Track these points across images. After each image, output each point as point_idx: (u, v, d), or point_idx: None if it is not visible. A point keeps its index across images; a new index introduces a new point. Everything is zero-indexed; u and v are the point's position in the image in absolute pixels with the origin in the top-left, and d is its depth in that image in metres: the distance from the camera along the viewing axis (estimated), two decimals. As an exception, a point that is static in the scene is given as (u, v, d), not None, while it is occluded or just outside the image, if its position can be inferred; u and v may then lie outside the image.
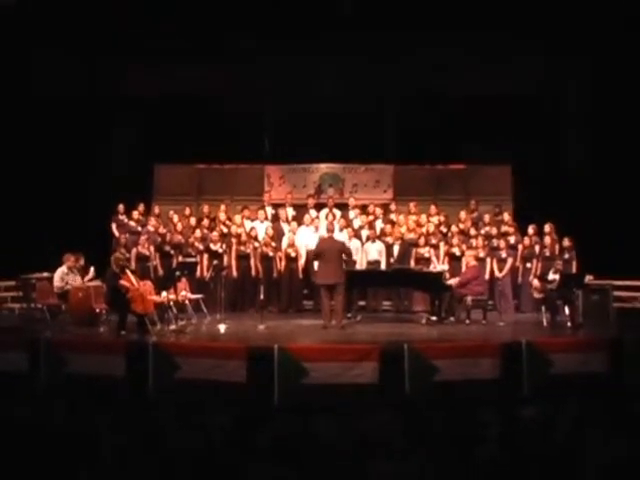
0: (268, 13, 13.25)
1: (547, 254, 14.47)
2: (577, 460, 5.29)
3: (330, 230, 13.51)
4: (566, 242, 14.29)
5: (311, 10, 13.16)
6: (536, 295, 13.55)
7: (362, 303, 14.80)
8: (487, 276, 14.62)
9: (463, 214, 15.88)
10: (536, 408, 7.14)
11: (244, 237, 15.00)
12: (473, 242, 14.81)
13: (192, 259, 14.44)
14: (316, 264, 13.84)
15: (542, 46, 14.09)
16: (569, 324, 12.55)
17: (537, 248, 14.83)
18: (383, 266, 14.59)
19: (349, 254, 13.25)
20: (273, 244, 14.96)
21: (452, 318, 13.49)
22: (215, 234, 15.03)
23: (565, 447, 5.58)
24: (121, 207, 15.50)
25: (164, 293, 12.71)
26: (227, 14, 13.30)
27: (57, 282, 12.93)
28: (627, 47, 13.98)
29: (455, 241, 14.72)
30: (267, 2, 13.12)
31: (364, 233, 15.11)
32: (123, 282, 12.04)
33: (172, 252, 14.77)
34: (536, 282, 13.60)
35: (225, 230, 15.40)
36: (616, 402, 7.57)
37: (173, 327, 12.45)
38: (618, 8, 13.06)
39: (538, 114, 16.56)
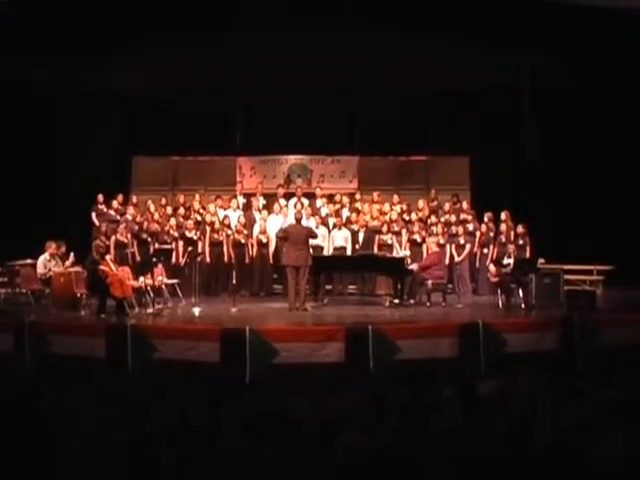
0: (237, 7, 13.11)
1: (503, 240, 14.54)
2: (528, 430, 5.35)
3: (298, 219, 13.47)
4: (520, 229, 14.38)
5: (280, 5, 13.04)
6: (492, 279, 13.66)
7: (329, 287, 14.83)
8: (447, 261, 14.73)
9: (421, 202, 15.99)
10: (492, 384, 7.16)
11: (217, 225, 15.00)
12: (434, 229, 14.90)
13: (168, 246, 14.40)
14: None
15: (501, 43, 14.06)
16: (523, 306, 12.66)
17: (493, 234, 14.95)
18: (349, 252, 14.62)
19: (315, 235, 13.22)
20: (245, 231, 14.94)
21: (413, 301, 13.53)
22: (190, 222, 14.99)
23: (518, 418, 5.63)
24: (100, 197, 15.36)
25: (141, 278, 12.69)
26: (196, 10, 13.15)
27: (40, 268, 12.88)
28: (576, 44, 13.99)
29: (416, 228, 14.78)
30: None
31: (331, 221, 15.12)
32: (103, 268, 12.02)
33: (149, 239, 14.68)
34: (492, 267, 13.71)
35: (199, 218, 15.37)
36: (565, 377, 7.63)
37: (150, 310, 12.41)
38: (568, 5, 13.05)
39: (494, 109, 16.57)
